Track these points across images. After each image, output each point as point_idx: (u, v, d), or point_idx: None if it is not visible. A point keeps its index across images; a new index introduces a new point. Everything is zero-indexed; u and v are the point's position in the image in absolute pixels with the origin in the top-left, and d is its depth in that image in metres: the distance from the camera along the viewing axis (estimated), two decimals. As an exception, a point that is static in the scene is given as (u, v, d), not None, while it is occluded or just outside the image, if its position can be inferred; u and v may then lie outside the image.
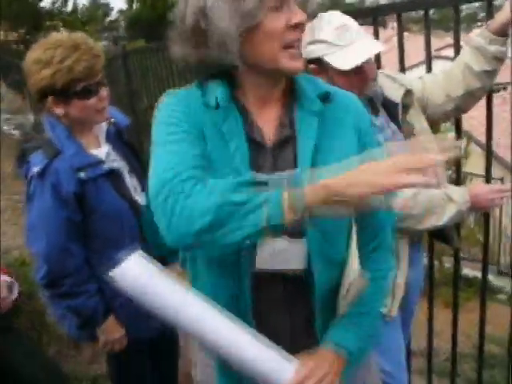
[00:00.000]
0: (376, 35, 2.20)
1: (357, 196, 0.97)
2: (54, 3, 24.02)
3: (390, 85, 1.96)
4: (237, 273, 1.19)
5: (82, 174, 1.78)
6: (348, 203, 1.00)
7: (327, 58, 1.81)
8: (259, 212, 0.99)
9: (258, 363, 1.12)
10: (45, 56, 1.76)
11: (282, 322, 1.26)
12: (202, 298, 1.14)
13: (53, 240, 1.77)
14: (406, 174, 0.93)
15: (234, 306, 1.19)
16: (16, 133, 10.01)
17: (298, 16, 1.15)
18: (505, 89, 14.50)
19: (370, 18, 2.28)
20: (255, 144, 1.21)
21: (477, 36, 1.88)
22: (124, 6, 37.39)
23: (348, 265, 1.25)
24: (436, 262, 3.88)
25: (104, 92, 1.85)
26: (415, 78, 2.09)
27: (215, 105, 1.20)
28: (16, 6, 21.69)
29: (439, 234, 2.08)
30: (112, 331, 1.92)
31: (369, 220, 1.28)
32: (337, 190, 0.98)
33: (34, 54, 1.80)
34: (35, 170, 1.76)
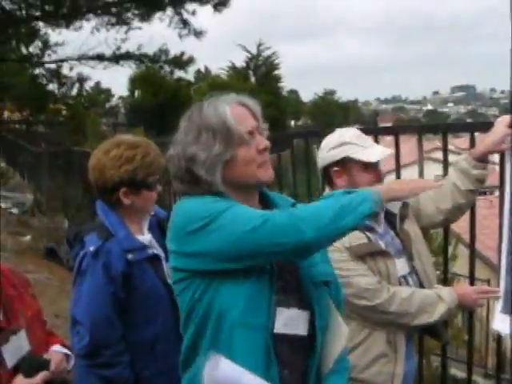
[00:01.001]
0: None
1: (407, 194, 1.58)
2: (59, 88, 24.95)
3: None
4: (264, 336, 1.43)
5: (130, 256, 1.99)
6: (403, 197, 1.66)
7: (355, 156, 2.08)
8: (363, 205, 1.42)
9: None
10: (127, 154, 2.02)
11: (288, 374, 1.49)
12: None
13: (99, 313, 1.92)
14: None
15: (263, 363, 1.43)
16: (15, 210, 10.19)
17: (264, 142, 1.52)
18: (491, 193, 15.08)
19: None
20: None
21: (462, 160, 2.16)
22: (125, 92, 39.02)
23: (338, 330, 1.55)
24: (424, 361, 3.94)
25: (159, 186, 2.12)
26: None
27: None
28: (23, 87, 22.52)
29: (429, 330, 2.24)
30: None
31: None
32: (396, 190, 1.55)
33: (113, 152, 2.04)
34: (91, 249, 1.96)
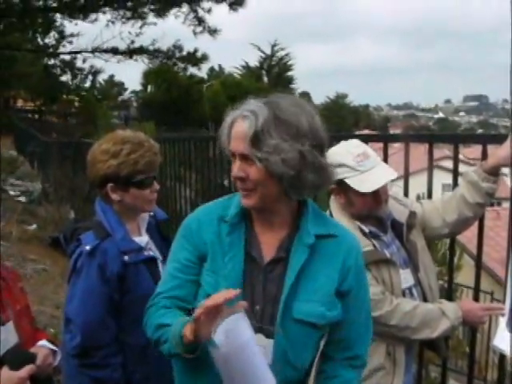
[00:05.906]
0: (385, 156, 2.55)
1: None
2: (73, 79, 25.02)
3: (396, 207, 2.16)
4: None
5: (127, 257, 1.95)
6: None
7: (349, 181, 2.00)
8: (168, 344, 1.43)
9: None
10: (114, 148, 1.97)
11: None
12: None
13: (92, 313, 1.89)
14: None
15: None
16: (22, 198, 10.22)
17: (233, 171, 1.45)
18: (499, 204, 14.94)
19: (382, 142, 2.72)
20: (251, 259, 1.49)
21: (472, 172, 2.11)
22: (138, 86, 39.04)
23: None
24: (422, 371, 3.91)
25: (156, 186, 2.05)
26: (415, 202, 2.31)
27: (227, 219, 1.50)
28: (37, 77, 22.59)
29: (429, 343, 2.20)
30: None
31: (344, 333, 1.53)
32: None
33: (104, 146, 2.01)
34: (87, 248, 1.92)
